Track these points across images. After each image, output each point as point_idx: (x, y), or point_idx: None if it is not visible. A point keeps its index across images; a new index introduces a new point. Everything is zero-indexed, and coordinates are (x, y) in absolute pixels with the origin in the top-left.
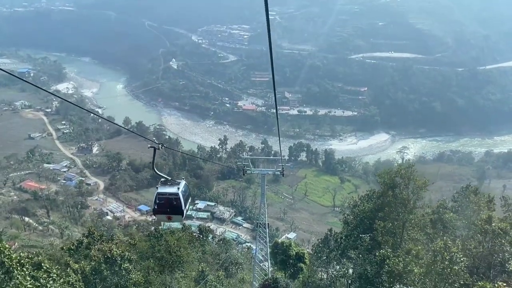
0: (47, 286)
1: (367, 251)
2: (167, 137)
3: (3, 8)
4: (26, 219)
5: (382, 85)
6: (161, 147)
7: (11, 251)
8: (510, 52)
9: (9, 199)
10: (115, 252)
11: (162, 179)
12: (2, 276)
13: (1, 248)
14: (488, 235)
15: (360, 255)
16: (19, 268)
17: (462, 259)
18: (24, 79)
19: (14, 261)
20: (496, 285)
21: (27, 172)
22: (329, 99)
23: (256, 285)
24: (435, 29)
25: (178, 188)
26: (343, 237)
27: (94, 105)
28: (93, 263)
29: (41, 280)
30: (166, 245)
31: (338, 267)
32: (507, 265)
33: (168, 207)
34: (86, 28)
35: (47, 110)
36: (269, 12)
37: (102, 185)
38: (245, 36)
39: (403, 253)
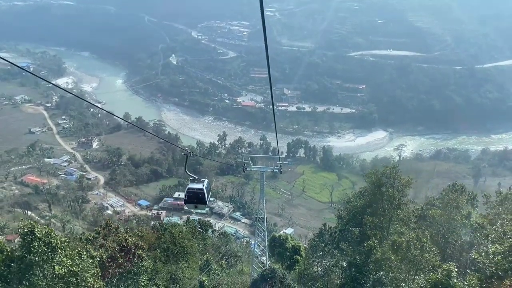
0: (81, 264)
1: (357, 243)
2: (166, 132)
3: (2, 1)
4: (29, 213)
5: (380, 82)
6: (191, 155)
7: (55, 233)
8: (508, 51)
9: (11, 193)
10: (130, 241)
11: (191, 178)
12: (49, 253)
13: (48, 231)
14: (467, 229)
15: (351, 247)
16: (62, 247)
17: (432, 248)
18: (25, 73)
19: (59, 241)
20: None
21: (28, 166)
22: (327, 96)
23: (255, 275)
24: (434, 27)
25: (203, 185)
26: (337, 231)
27: (94, 100)
28: (109, 252)
29: (76, 260)
30: (171, 236)
31: (332, 260)
32: (469, 254)
33: (195, 198)
34: (85, 23)
35: (47, 104)
36: (269, 9)
37: (102, 180)
38: (245, 33)
39: (388, 244)
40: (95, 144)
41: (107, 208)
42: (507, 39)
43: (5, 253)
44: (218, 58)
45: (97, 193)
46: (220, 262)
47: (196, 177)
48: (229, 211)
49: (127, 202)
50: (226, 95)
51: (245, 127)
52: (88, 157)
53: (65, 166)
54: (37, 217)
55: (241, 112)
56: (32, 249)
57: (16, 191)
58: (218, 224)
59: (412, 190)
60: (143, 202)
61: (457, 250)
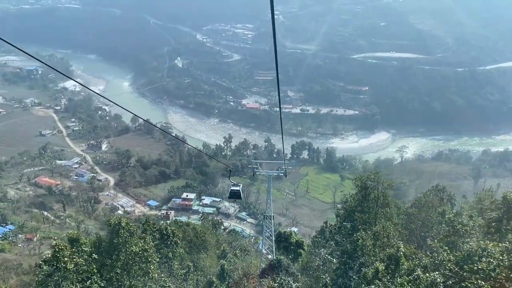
0: (149, 244)
1: (349, 235)
2: (173, 134)
3: (10, 5)
4: (45, 213)
5: (383, 84)
6: (232, 170)
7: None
8: (509, 52)
9: (26, 194)
10: (169, 230)
11: (232, 183)
12: (129, 237)
13: (128, 222)
14: (442, 225)
15: (344, 238)
16: (136, 233)
17: (395, 236)
18: (33, 76)
19: (135, 229)
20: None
21: (40, 168)
22: (331, 98)
23: (263, 266)
24: (436, 29)
25: (240, 187)
26: (336, 229)
27: (101, 102)
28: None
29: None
30: (194, 231)
31: (329, 250)
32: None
33: (235, 195)
34: (92, 26)
35: (57, 107)
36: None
37: (112, 181)
38: (249, 35)
39: (367, 234)
40: (104, 146)
41: (118, 209)
42: (508, 41)
43: (93, 238)
44: (222, 60)
45: (107, 194)
46: (235, 252)
47: (236, 183)
48: (235, 211)
49: (137, 202)
50: (230, 97)
51: (249, 129)
52: (98, 159)
53: (76, 167)
54: (52, 217)
55: (245, 114)
56: (119, 234)
57: (30, 192)
58: (224, 224)
59: (413, 190)
60: (152, 203)
61: (431, 241)
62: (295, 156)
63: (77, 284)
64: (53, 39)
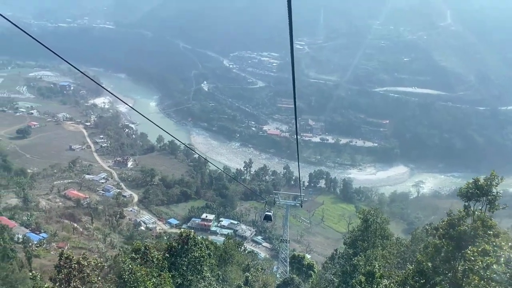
0: (206, 251)
1: (350, 259)
2: (195, 156)
3: (48, 23)
4: (74, 224)
5: (403, 118)
6: (267, 202)
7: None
8: None
9: (56, 205)
10: (204, 244)
11: (266, 209)
12: (193, 246)
13: (194, 235)
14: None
15: (346, 262)
16: (198, 243)
17: (390, 259)
18: (66, 92)
19: (198, 240)
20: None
21: (69, 181)
22: (351, 129)
23: (278, 283)
24: (459, 67)
25: (271, 212)
26: (344, 255)
27: (128, 121)
28: (199, 252)
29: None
30: (224, 247)
31: (334, 271)
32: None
33: (268, 218)
34: (123, 46)
35: (87, 123)
36: (298, 42)
37: (136, 198)
38: (274, 64)
39: (361, 258)
40: (130, 164)
41: (141, 225)
42: None
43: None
44: (247, 87)
45: (131, 210)
46: (257, 267)
47: (268, 209)
48: (251, 234)
49: (158, 220)
50: (253, 122)
51: (269, 154)
52: (123, 175)
53: (102, 182)
54: (81, 229)
55: (266, 140)
56: (188, 243)
57: (60, 203)
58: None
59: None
60: (173, 221)
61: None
62: (312, 184)
63: (159, 273)
64: (86, 57)
